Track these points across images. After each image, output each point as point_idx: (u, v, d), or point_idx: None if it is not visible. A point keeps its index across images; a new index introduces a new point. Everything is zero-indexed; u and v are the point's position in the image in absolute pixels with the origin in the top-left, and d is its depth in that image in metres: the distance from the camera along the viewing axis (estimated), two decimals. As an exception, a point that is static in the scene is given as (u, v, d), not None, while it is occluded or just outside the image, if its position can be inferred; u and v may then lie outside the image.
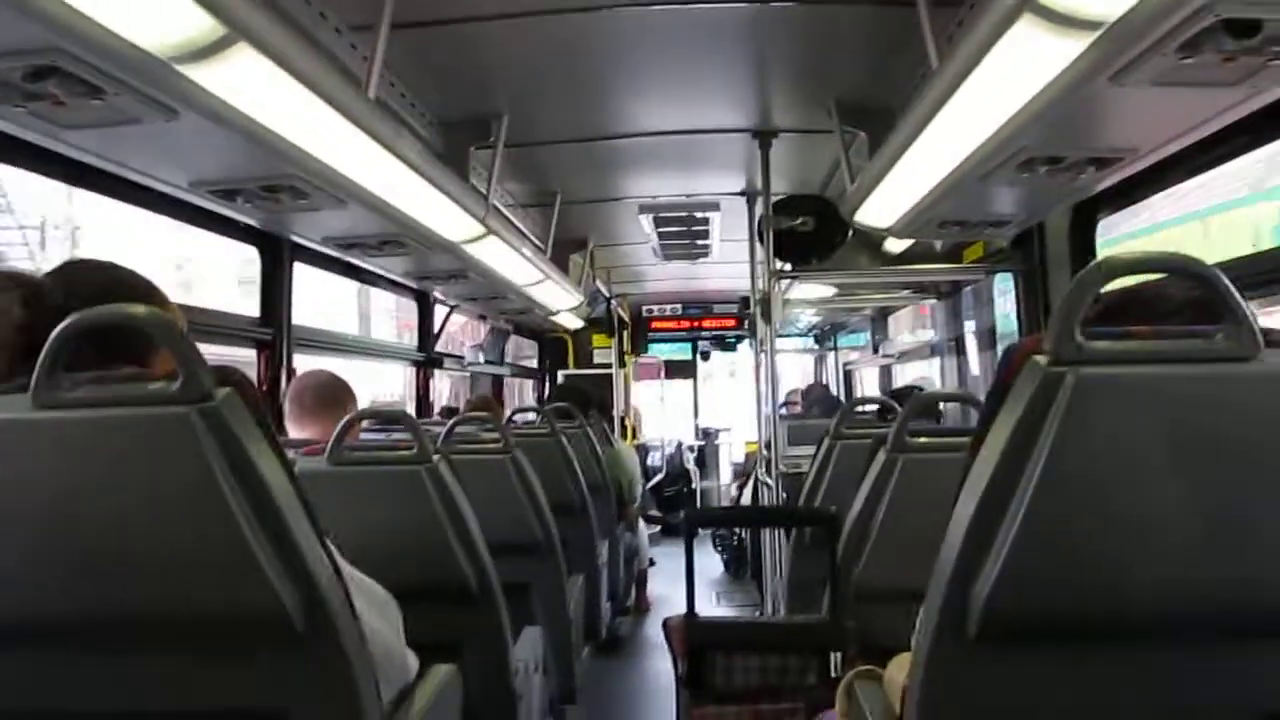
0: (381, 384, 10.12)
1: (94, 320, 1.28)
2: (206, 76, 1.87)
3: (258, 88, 2.01)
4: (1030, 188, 2.95)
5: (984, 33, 1.98)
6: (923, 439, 2.38)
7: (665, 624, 2.54)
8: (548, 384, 9.53)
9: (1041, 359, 1.19)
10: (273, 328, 3.73)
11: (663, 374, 10.90)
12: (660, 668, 5.58)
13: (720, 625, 2.63)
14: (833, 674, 2.34)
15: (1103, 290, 1.24)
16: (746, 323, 9.89)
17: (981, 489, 1.21)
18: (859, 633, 2.32)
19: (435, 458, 2.33)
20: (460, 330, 8.09)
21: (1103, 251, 3.66)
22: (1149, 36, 1.77)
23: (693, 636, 2.43)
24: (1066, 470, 1.17)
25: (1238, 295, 1.17)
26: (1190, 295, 1.33)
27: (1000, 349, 4.94)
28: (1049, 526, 1.19)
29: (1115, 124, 2.40)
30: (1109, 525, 1.19)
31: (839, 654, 2.37)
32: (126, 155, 2.43)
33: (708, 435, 10.96)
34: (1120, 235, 3.94)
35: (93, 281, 1.50)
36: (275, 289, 3.76)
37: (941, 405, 4.53)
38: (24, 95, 1.86)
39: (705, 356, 10.85)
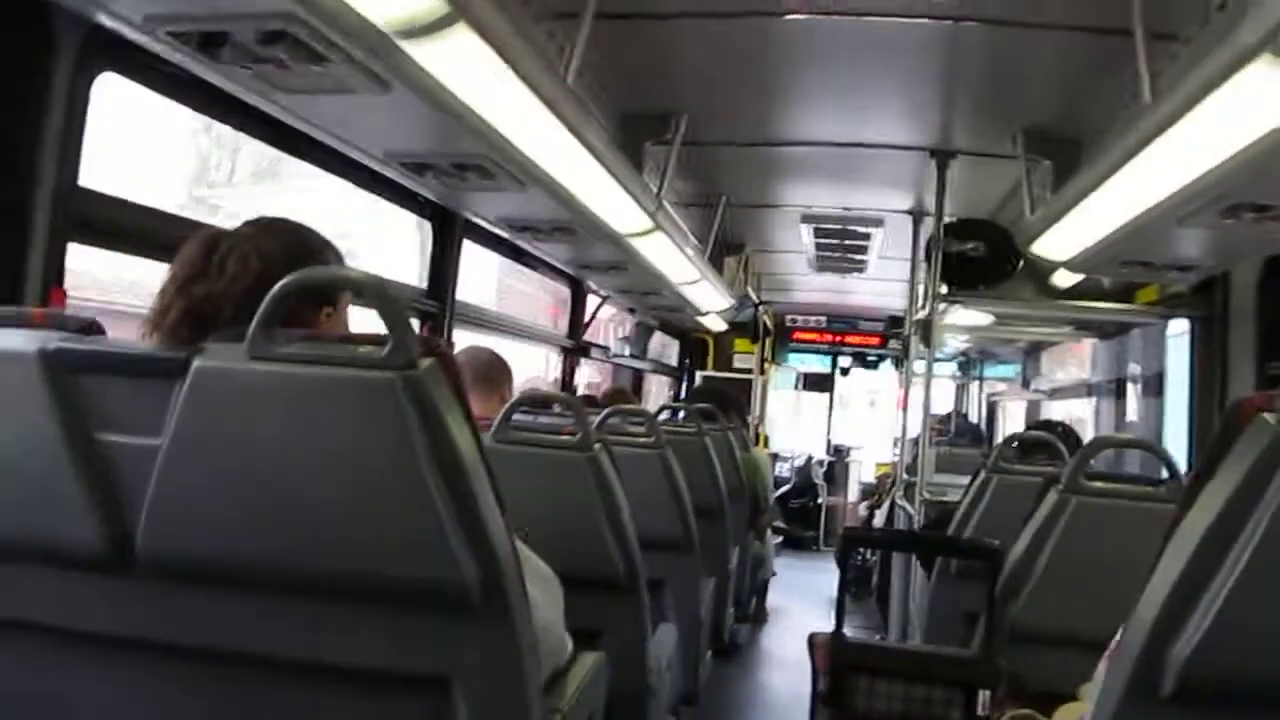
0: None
1: (313, 280, 1.33)
2: (424, 53, 1.92)
3: (468, 67, 2.06)
4: (1228, 233, 2.81)
5: (1212, 69, 1.89)
6: (1098, 483, 2.30)
7: (812, 639, 2.51)
8: (685, 383, 9.54)
9: (1271, 418, 1.13)
10: (439, 301, 3.82)
11: (800, 385, 10.83)
12: (776, 680, 5.56)
13: (867, 648, 2.58)
14: (979, 712, 2.29)
15: None
16: (891, 342, 9.73)
17: (1194, 544, 1.16)
18: (1012, 674, 2.26)
19: (596, 447, 2.35)
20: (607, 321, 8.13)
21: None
22: (1398, 85, 1.68)
23: (838, 655, 2.40)
24: None
25: None
26: None
27: (1166, 396, 4.76)
28: (1266, 590, 1.13)
29: (1337, 173, 2.28)
30: None
31: (987, 692, 2.32)
32: (332, 123, 2.51)
33: (839, 452, 10.83)
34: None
35: (287, 234, 1.57)
36: (444, 264, 3.84)
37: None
38: (253, 58, 1.93)
39: (845, 372, 10.72)
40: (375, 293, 1.31)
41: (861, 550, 7.72)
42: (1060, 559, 2.27)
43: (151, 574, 1.39)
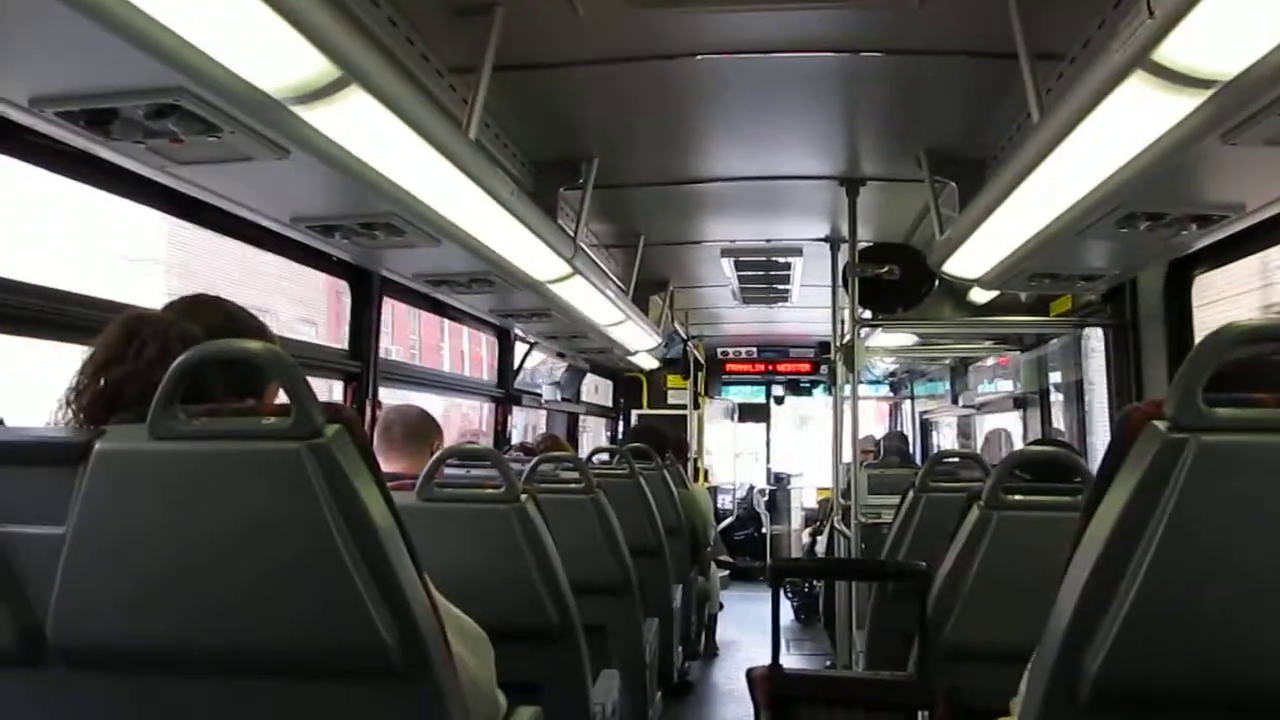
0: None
1: (210, 354, 1.31)
2: (319, 117, 1.92)
3: (366, 129, 2.05)
4: (1127, 243, 2.90)
5: (1091, 87, 1.96)
6: (1018, 496, 2.34)
7: (749, 674, 2.50)
8: (621, 423, 9.54)
9: (1161, 424, 1.16)
10: (361, 360, 3.79)
11: (736, 416, 10.88)
12: (729, 714, 5.53)
13: (806, 678, 2.59)
14: (918, 733, 2.30)
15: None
16: (823, 368, 9.83)
17: (1096, 554, 1.18)
18: (948, 693, 2.27)
19: (523, 497, 2.34)
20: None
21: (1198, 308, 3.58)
22: (1264, 97, 1.74)
23: (777, 688, 2.40)
24: (1187, 538, 1.14)
25: None
26: None
27: (1086, 403, 4.86)
28: (1168, 595, 1.15)
29: (1222, 182, 2.36)
30: (1231, 596, 1.15)
31: (925, 712, 2.33)
32: (233, 190, 2.48)
33: (779, 480, 10.87)
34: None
35: (213, 317, 1.55)
36: (364, 323, 3.81)
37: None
38: (144, 132, 1.92)
39: (779, 401, 10.80)
40: (271, 363, 1.30)
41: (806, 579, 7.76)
42: (987, 574, 2.29)
43: (65, 665, 1.36)
